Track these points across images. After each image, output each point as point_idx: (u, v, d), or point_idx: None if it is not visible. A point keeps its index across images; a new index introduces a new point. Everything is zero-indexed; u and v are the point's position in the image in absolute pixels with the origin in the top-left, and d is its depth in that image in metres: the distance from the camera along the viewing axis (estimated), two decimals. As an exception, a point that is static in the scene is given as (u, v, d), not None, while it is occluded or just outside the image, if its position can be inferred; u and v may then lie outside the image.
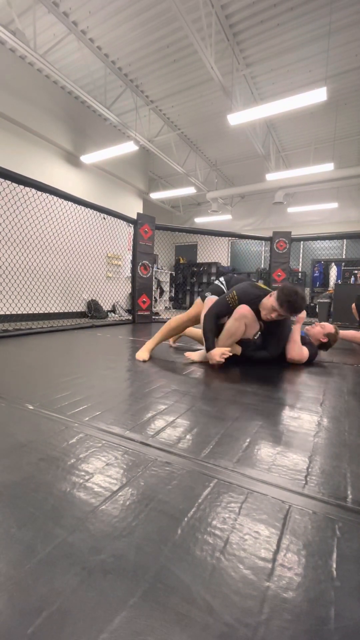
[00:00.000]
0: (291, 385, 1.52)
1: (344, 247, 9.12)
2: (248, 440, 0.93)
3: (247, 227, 10.42)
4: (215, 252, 10.99)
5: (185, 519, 0.59)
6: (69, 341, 2.69)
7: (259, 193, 9.34)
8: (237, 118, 4.24)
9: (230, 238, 10.18)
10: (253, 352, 1.92)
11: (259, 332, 1.91)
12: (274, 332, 1.89)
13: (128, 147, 5.45)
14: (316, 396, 1.37)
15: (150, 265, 4.60)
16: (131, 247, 4.59)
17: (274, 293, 1.73)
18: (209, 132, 6.95)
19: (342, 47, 4.44)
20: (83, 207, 3.61)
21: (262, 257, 10.23)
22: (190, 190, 8.07)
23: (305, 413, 1.16)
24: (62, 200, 3.32)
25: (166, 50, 4.72)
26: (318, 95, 3.65)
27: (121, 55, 4.90)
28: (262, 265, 9.92)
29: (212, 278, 11.00)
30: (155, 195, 8.61)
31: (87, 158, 6.01)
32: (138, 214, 4.37)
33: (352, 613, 0.42)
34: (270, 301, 1.73)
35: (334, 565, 0.50)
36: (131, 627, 0.39)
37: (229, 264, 11.21)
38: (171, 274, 10.83)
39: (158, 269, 10.03)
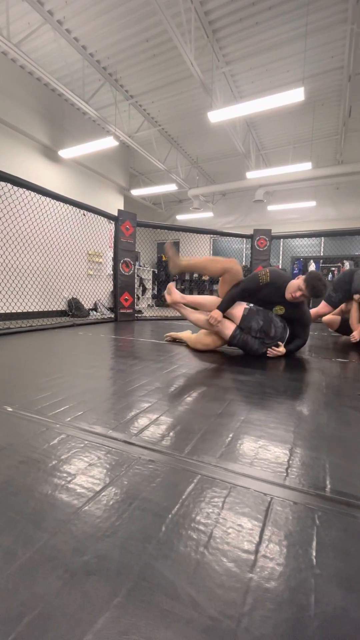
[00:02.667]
0: (272, 380, 1.55)
1: (322, 245, 9.37)
2: (231, 435, 0.94)
3: (229, 224, 10.51)
4: (198, 250, 11.02)
5: (169, 516, 0.59)
6: (49, 341, 2.63)
7: (240, 191, 9.45)
8: (217, 115, 4.25)
9: (212, 235, 10.24)
10: (290, 347, 2.11)
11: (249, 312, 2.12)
12: (298, 319, 2.09)
13: (108, 143, 5.36)
14: (296, 390, 1.41)
15: (132, 262, 4.55)
16: (112, 244, 4.53)
17: (302, 276, 1.98)
18: (189, 128, 6.94)
19: (318, 48, 4.53)
20: (62, 203, 3.52)
21: (244, 255, 10.35)
22: (171, 187, 8.04)
23: (286, 407, 1.19)
24: (40, 195, 3.23)
25: (145, 45, 4.67)
26: (296, 95, 3.71)
27: (100, 48, 4.80)
28: (244, 263, 10.04)
29: (194, 275, 11.04)
30: (136, 192, 8.53)
31: (66, 153, 5.87)
32: (119, 210, 4.31)
33: (331, 599, 0.44)
34: (298, 282, 1.97)
35: (314, 554, 0.51)
36: (116, 627, 0.39)
37: (211, 262, 11.27)
38: (154, 272, 10.78)
39: (140, 266, 9.96)
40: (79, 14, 4.21)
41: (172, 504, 0.62)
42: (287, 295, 2.00)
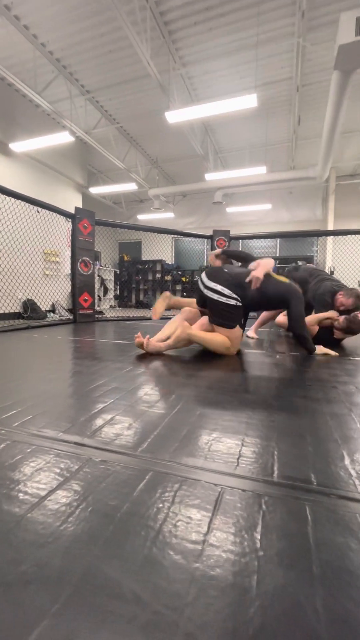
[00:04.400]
0: (228, 376, 1.59)
1: (278, 246, 9.84)
2: (186, 430, 0.94)
3: (190, 225, 10.64)
4: (160, 250, 11.02)
5: (118, 515, 0.58)
6: (0, 344, 2.46)
7: (200, 192, 9.60)
8: (174, 116, 4.28)
9: (173, 236, 10.29)
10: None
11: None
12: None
13: (63, 138, 5.17)
14: (251, 383, 1.46)
15: (91, 261, 4.43)
16: (70, 243, 4.37)
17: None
18: (149, 128, 6.92)
19: (269, 58, 4.74)
20: (14, 200, 3.32)
21: (205, 255, 10.53)
22: (131, 186, 7.96)
23: (240, 400, 1.23)
24: (-13, 189, 3.02)
25: (101, 39, 4.57)
26: (249, 101, 3.86)
27: (52, 39, 4.61)
28: (205, 263, 10.21)
29: (157, 275, 11.02)
30: (95, 190, 8.32)
31: (18, 146, 5.56)
32: (76, 208, 4.17)
33: (272, 578, 0.45)
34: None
35: (259, 537, 0.53)
36: (52, 635, 0.37)
37: (173, 261, 11.34)
38: (115, 272, 10.58)
39: (101, 266, 9.72)
40: (29, 1, 4.00)
41: (121, 503, 0.61)
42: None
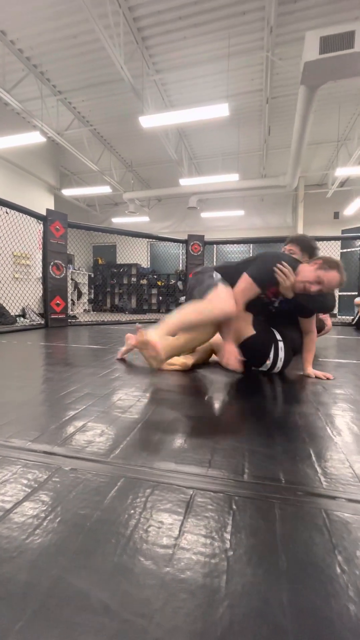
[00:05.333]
0: (201, 377, 1.61)
1: (251, 251, 10.10)
2: (159, 434, 0.94)
3: (165, 229, 10.68)
4: (135, 254, 10.96)
5: (88, 524, 0.56)
6: (-35, 351, 2.34)
7: (175, 197, 9.68)
8: (148, 121, 4.31)
9: (149, 240, 10.30)
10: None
11: None
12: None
13: (33, 138, 5.04)
14: (222, 386, 1.48)
15: (63, 265, 4.32)
16: (42, 246, 4.24)
17: None
18: (123, 132, 6.90)
19: (240, 70, 4.90)
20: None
21: (180, 259, 10.61)
22: (105, 189, 7.88)
23: (211, 400, 1.24)
24: None
25: (74, 41, 4.52)
26: (220, 110, 3.96)
27: (22, 36, 4.50)
28: (181, 267, 10.29)
29: (132, 279, 10.95)
30: (67, 192, 8.16)
31: (-15, 144, 5.34)
32: (48, 210, 4.07)
33: (241, 577, 0.46)
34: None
35: (229, 537, 0.54)
36: (15, 654, 0.36)
37: (149, 265, 11.32)
38: (90, 275, 10.39)
39: (75, 269, 9.52)
40: (-4, -3, 3.89)
41: (91, 512, 0.60)
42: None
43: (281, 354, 1.63)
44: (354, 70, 3.38)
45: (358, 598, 0.43)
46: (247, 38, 4.31)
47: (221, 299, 1.45)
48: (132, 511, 0.60)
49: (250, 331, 1.61)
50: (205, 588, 0.44)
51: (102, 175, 7.79)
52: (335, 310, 7.94)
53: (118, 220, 10.32)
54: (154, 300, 10.66)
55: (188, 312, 1.45)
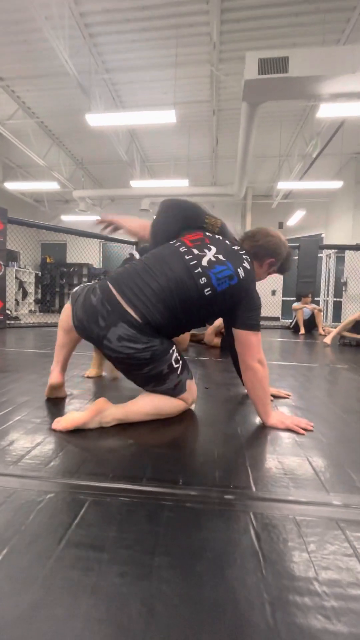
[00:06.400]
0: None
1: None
2: (67, 446, 0.94)
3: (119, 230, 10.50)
4: (87, 253, 10.62)
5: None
6: None
7: (129, 198, 9.59)
8: (94, 120, 4.23)
9: (101, 240, 10.05)
10: None
11: None
12: None
13: (-32, 125, 4.65)
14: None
15: (3, 263, 4.06)
16: (-25, 242, 3.93)
17: None
18: (72, 127, 6.66)
19: (188, 79, 5.01)
20: None
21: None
22: (53, 185, 7.55)
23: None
24: None
25: (15, 27, 4.27)
26: (167, 116, 4.02)
27: None
28: (134, 269, 10.19)
29: (83, 279, 10.59)
30: (11, 186, 7.68)
31: None
32: (-18, 204, 3.78)
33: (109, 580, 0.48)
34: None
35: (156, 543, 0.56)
36: None
37: (101, 266, 11.05)
38: (37, 274, 9.84)
39: (20, 268, 8.95)
40: None
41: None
42: None
43: None
44: (288, 93, 3.66)
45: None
46: (194, 50, 4.44)
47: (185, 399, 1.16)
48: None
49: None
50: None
51: (49, 171, 7.45)
52: (279, 314, 8.48)
53: (68, 218, 9.93)
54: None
55: (147, 410, 1.10)
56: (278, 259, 1.22)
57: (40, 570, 0.49)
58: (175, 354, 1.10)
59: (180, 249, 1.12)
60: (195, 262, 1.07)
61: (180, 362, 1.11)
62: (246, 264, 1.12)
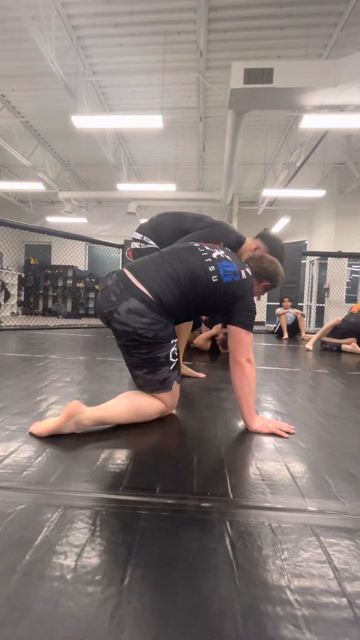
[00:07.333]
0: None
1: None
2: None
3: (105, 232, 10.45)
4: (72, 255, 10.46)
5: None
6: None
7: (115, 201, 9.55)
8: (80, 121, 4.20)
9: (87, 242, 9.95)
10: None
11: None
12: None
13: None
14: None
15: (-18, 265, 3.94)
16: None
17: None
18: (59, 128, 6.60)
19: (176, 85, 5.07)
20: None
21: (120, 264, 10.45)
22: (38, 186, 7.45)
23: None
24: None
25: (1, 25, 4.21)
26: (154, 121, 4.04)
27: None
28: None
29: (68, 282, 10.44)
30: (-6, 185, 7.50)
31: None
32: None
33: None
34: None
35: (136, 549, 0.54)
36: None
37: (86, 268, 10.93)
38: (20, 276, 9.63)
39: (2, 269, 8.74)
40: None
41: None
42: None
43: None
44: (272, 103, 3.75)
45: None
46: (181, 57, 4.49)
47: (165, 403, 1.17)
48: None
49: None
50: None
51: (34, 171, 7.34)
52: (264, 319, 8.60)
53: (54, 220, 9.79)
54: (91, 305, 10.29)
55: (125, 410, 1.09)
56: (273, 284, 1.33)
57: (4, 587, 0.47)
58: (175, 349, 1.16)
59: (194, 245, 1.27)
60: (206, 253, 1.21)
61: (176, 361, 1.17)
62: (248, 271, 1.24)
